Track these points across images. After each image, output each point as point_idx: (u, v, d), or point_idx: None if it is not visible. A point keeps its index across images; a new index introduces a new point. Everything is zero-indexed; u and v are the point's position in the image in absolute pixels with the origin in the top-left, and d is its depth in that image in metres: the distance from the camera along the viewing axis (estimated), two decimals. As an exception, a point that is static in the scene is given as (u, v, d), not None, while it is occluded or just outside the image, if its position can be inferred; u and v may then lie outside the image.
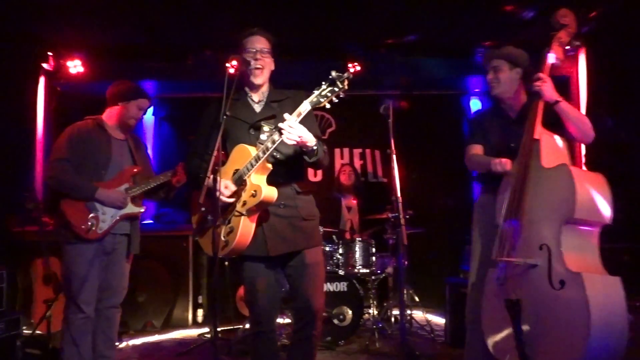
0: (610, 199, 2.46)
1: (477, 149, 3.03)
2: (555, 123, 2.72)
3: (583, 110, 5.29)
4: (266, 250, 2.53)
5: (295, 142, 2.38)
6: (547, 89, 2.65)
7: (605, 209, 2.44)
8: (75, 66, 5.51)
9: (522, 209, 2.55)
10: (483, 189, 3.06)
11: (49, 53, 5.51)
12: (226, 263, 4.81)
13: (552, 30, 2.78)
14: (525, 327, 2.38)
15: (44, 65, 5.52)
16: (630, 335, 2.28)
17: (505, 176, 2.72)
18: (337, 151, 6.53)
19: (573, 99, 5.59)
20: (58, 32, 5.17)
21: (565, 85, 5.72)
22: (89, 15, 4.78)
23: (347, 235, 5.34)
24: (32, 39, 5.18)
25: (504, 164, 2.69)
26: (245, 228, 2.47)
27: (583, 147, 5.30)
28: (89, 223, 3.08)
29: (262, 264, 2.59)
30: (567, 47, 2.80)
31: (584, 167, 5.18)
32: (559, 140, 2.67)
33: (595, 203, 2.42)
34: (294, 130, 2.34)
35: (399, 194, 2.45)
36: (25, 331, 3.98)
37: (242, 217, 2.46)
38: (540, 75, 2.67)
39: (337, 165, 6.34)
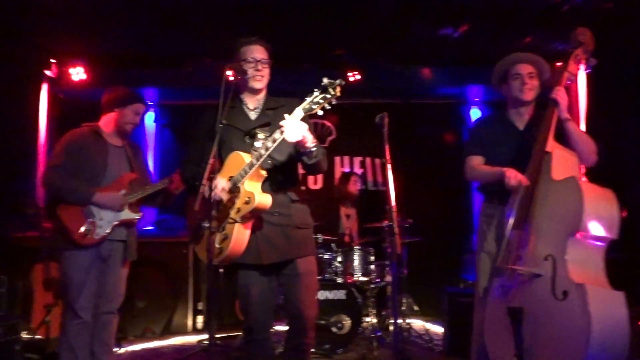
0: (617, 215, 2.46)
1: (478, 160, 2.99)
2: (563, 137, 2.73)
3: (583, 119, 5.31)
4: (260, 258, 2.53)
5: (296, 141, 2.37)
6: (564, 101, 2.67)
7: (612, 225, 2.45)
8: (77, 73, 5.59)
9: (529, 219, 2.56)
10: (489, 198, 3.02)
11: (52, 60, 5.59)
12: (220, 270, 4.83)
13: (571, 47, 2.81)
14: (526, 336, 2.39)
15: (47, 72, 5.59)
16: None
17: (515, 190, 2.69)
18: (337, 159, 6.54)
19: (572, 108, 5.61)
20: (61, 40, 5.23)
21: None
22: (91, 23, 4.85)
23: (346, 240, 5.34)
24: (35, 46, 5.26)
25: (520, 179, 2.63)
26: (239, 235, 2.48)
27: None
28: (86, 229, 3.10)
29: (256, 272, 2.60)
30: (585, 65, 2.84)
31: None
32: (570, 153, 2.67)
33: (603, 218, 2.43)
34: (296, 128, 2.33)
35: (393, 203, 2.45)
36: (25, 336, 4.00)
37: (236, 224, 2.46)
38: (559, 87, 2.69)
39: (337, 173, 6.37)
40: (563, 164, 2.60)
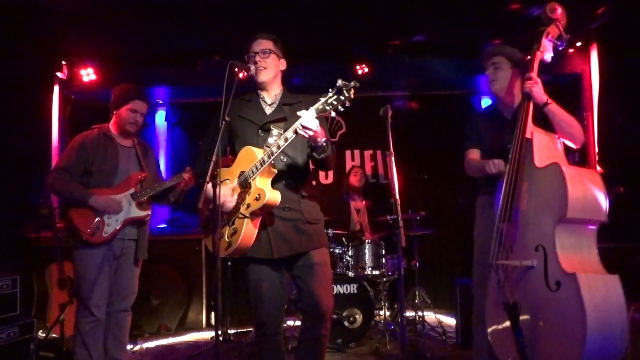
0: (604, 196, 2.40)
1: (474, 154, 3.02)
2: (548, 121, 2.70)
3: (595, 107, 5.22)
4: (271, 252, 2.54)
5: (308, 135, 2.35)
6: (537, 90, 2.61)
7: (600, 207, 2.39)
8: (88, 74, 5.65)
9: (517, 210, 2.51)
10: (481, 191, 3.05)
11: (63, 62, 5.65)
12: (229, 263, 4.87)
13: (541, 25, 2.73)
14: (525, 330, 2.35)
15: (58, 74, 5.67)
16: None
17: (501, 177, 2.69)
18: (347, 153, 6.52)
19: (585, 96, 5.53)
20: (71, 41, 5.28)
21: (577, 82, 5.66)
22: (100, 24, 4.89)
23: (357, 234, 5.34)
24: (46, 48, 5.30)
25: (497, 164, 2.68)
26: (248, 230, 2.49)
27: (596, 145, 5.23)
28: (94, 227, 3.15)
29: (267, 266, 2.60)
30: (557, 42, 2.75)
31: (597, 167, 5.10)
32: (552, 138, 2.63)
33: (589, 201, 2.37)
34: (310, 125, 2.30)
35: (397, 196, 2.43)
36: (40, 334, 4.06)
37: (246, 220, 2.48)
38: (531, 75, 2.63)
39: (348, 167, 6.35)
40: (544, 149, 2.55)
